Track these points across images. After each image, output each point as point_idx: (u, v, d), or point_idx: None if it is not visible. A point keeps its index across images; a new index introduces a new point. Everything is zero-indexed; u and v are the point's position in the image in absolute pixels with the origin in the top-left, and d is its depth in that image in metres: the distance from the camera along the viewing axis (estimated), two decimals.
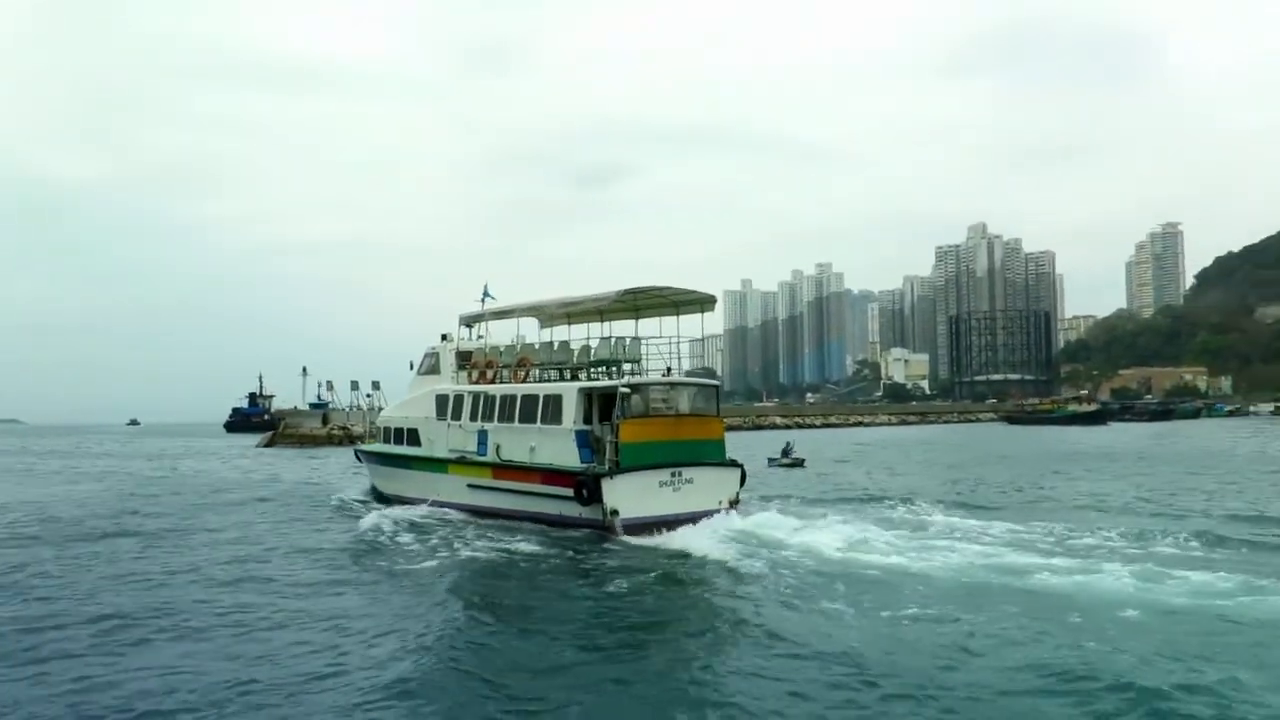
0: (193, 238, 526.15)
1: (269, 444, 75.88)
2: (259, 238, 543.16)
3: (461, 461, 24.89)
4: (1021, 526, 20.32)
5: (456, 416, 25.43)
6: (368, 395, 38.84)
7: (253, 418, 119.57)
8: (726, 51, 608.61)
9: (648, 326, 25.48)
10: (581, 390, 22.39)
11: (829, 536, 18.86)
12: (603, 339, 24.87)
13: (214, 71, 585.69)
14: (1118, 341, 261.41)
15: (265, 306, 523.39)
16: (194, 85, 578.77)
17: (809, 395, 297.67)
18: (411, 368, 29.52)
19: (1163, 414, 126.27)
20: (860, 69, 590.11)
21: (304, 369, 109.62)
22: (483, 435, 24.29)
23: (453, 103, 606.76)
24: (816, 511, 23.25)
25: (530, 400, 23.25)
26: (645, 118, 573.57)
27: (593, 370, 24.40)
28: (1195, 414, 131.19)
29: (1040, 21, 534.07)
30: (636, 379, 23.09)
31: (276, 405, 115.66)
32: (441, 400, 26.28)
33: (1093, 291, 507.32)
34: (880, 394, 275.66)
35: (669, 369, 23.94)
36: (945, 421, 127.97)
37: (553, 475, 21.88)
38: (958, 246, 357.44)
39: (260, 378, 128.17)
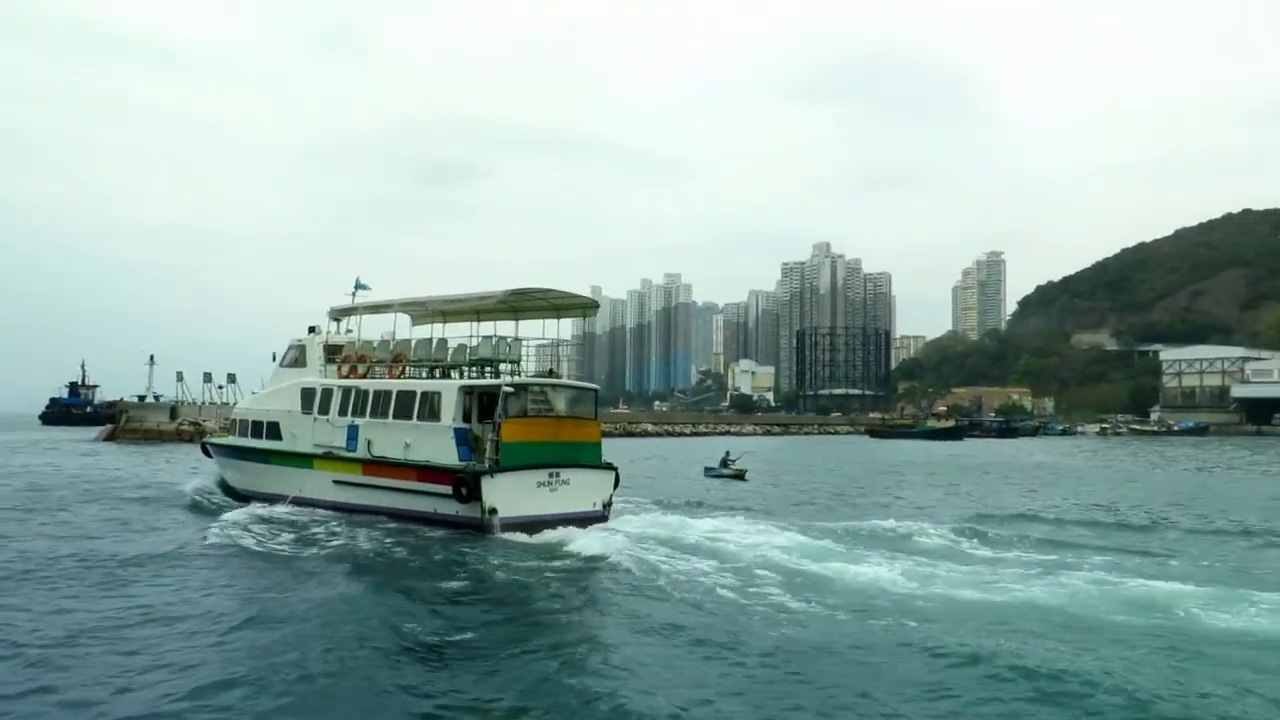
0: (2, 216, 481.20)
1: (110, 438, 68.87)
2: (85, 218, 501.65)
3: (329, 457, 24.31)
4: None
5: (324, 411, 24.84)
6: (220, 388, 35.41)
7: (74, 409, 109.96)
8: (578, 57, 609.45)
9: (526, 328, 25.64)
10: (462, 388, 22.46)
11: (720, 533, 20.12)
12: (484, 338, 24.78)
13: (31, 35, 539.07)
14: (948, 361, 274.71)
15: (93, 291, 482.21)
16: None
17: (656, 403, 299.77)
18: (274, 359, 28.54)
19: (1009, 431, 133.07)
20: (713, 88, 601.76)
21: (150, 358, 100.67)
22: (353, 430, 23.84)
23: (294, 91, 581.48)
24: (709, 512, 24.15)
25: (406, 396, 23.07)
26: (496, 118, 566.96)
27: (470, 369, 24.40)
28: (1034, 432, 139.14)
29: (881, 59, 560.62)
30: (521, 379, 23.21)
31: (103, 396, 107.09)
32: (308, 394, 25.62)
33: (922, 313, 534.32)
34: (727, 404, 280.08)
35: (551, 370, 24.79)
36: (807, 433, 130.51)
37: (429, 473, 21.75)
38: (803, 264, 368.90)
39: (83, 366, 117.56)
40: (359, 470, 23.49)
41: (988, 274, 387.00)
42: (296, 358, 27.70)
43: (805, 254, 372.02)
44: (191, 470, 35.99)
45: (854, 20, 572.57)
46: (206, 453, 31.48)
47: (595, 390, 24.84)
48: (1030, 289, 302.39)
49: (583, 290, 25.93)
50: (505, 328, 25.66)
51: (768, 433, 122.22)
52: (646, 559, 17.12)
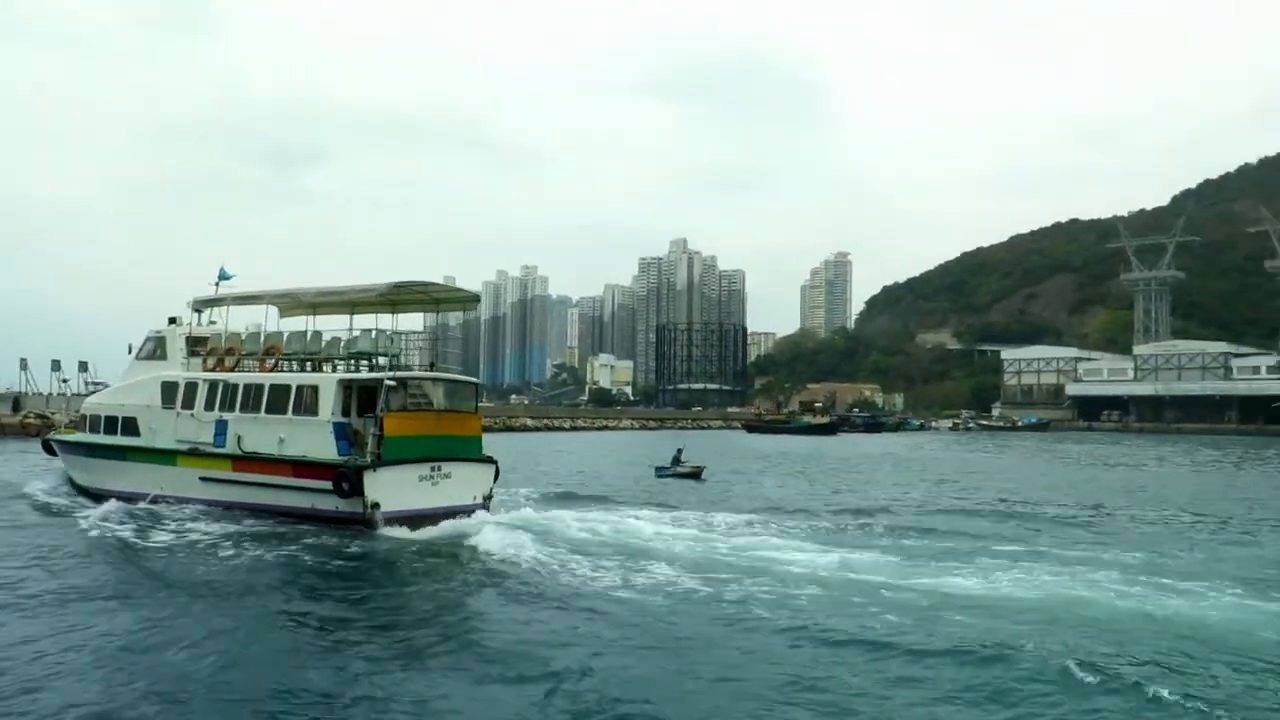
0: None
1: None
2: None
3: (194, 453, 23.54)
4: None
5: (188, 405, 24.14)
6: (64, 381, 32.80)
7: None
8: (430, 43, 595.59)
9: (404, 321, 25.84)
10: (341, 382, 22.23)
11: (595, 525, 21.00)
12: (363, 331, 24.41)
13: None
14: (801, 358, 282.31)
15: None
16: None
17: (513, 397, 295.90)
18: (130, 352, 27.42)
19: (875, 427, 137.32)
20: (568, 80, 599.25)
21: None
22: (221, 425, 23.25)
23: (133, 63, 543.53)
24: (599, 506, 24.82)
25: (280, 390, 22.63)
26: (345, 101, 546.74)
27: (343, 362, 24.07)
28: (897, 428, 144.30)
29: (735, 60, 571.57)
30: (402, 373, 23.01)
31: None
32: (169, 387, 24.83)
33: (771, 311, 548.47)
34: (586, 398, 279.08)
35: (432, 364, 25.56)
36: (682, 428, 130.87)
37: (306, 468, 21.37)
38: (660, 259, 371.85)
39: None
40: (228, 466, 22.81)
41: (835, 274, 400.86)
42: (155, 350, 26.58)
43: (662, 250, 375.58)
44: (33, 468, 32.75)
45: (708, 19, 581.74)
46: (50, 450, 30.06)
47: (476, 384, 24.75)
48: (876, 290, 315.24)
49: (434, 281, 25.48)
50: (381, 321, 25.25)
51: (644, 427, 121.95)
52: (530, 550, 17.66)
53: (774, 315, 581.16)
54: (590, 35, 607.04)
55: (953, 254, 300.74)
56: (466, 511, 21.40)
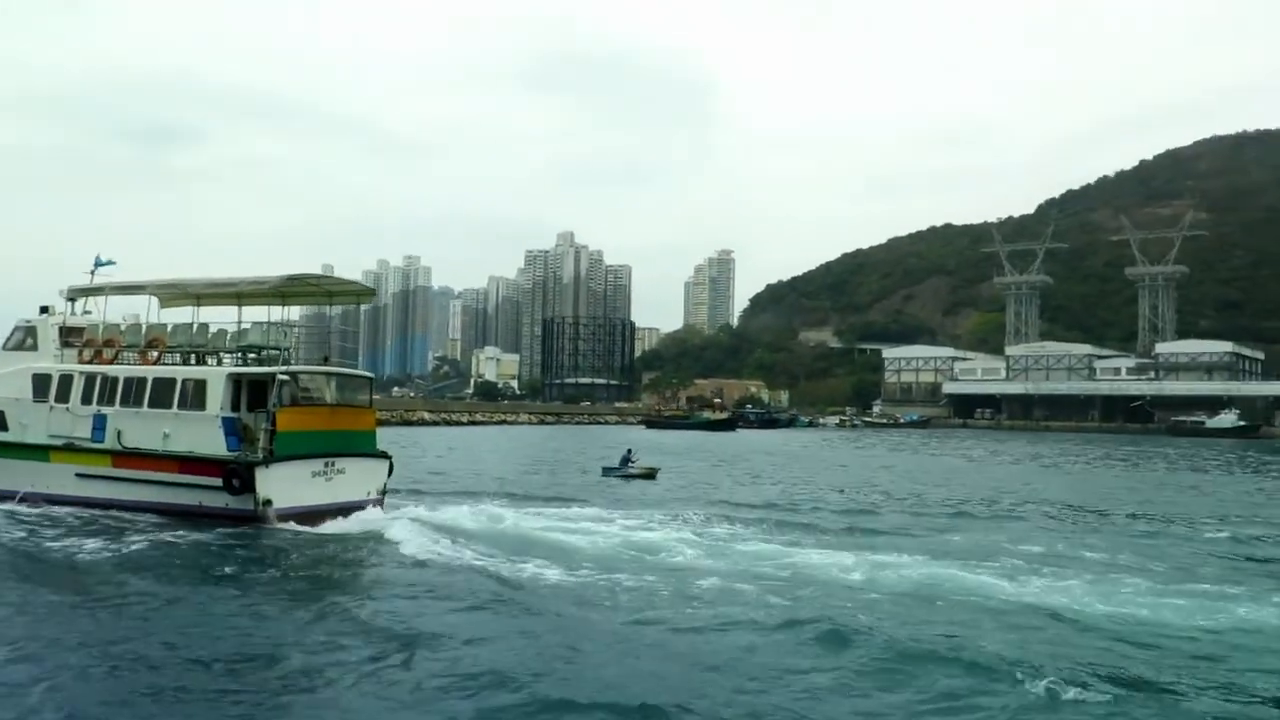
0: None
1: None
2: None
3: (69, 449, 22.69)
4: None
5: (63, 399, 23.19)
6: None
7: None
8: (305, 24, 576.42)
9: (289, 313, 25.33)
10: (230, 376, 21.78)
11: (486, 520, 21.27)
12: (254, 323, 23.89)
13: None
14: (687, 353, 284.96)
15: None
16: None
17: (395, 389, 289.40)
18: None
19: (769, 423, 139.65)
20: (456, 69, 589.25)
21: None
22: (100, 420, 22.40)
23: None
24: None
25: (165, 384, 22.03)
26: (215, 78, 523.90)
27: (230, 355, 23.57)
28: (789, 424, 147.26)
29: (622, 57, 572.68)
30: (295, 367, 22.70)
31: None
32: (41, 380, 23.74)
33: (655, 306, 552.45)
34: (471, 392, 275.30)
35: (325, 358, 24.35)
36: (579, 423, 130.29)
37: (194, 464, 20.93)
38: (546, 252, 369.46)
39: None
40: (108, 462, 22.07)
41: (718, 271, 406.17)
42: (24, 340, 25.15)
43: (548, 243, 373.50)
44: None
45: (597, 14, 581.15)
46: None
47: (370, 378, 24.21)
48: (758, 288, 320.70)
49: (312, 269, 25.79)
50: (272, 314, 24.67)
51: (541, 422, 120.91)
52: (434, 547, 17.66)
53: (658, 311, 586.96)
54: (479, 25, 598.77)
55: (834, 254, 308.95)
56: (360, 507, 21.19)
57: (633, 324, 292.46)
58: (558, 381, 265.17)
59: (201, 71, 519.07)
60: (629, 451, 39.81)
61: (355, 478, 21.70)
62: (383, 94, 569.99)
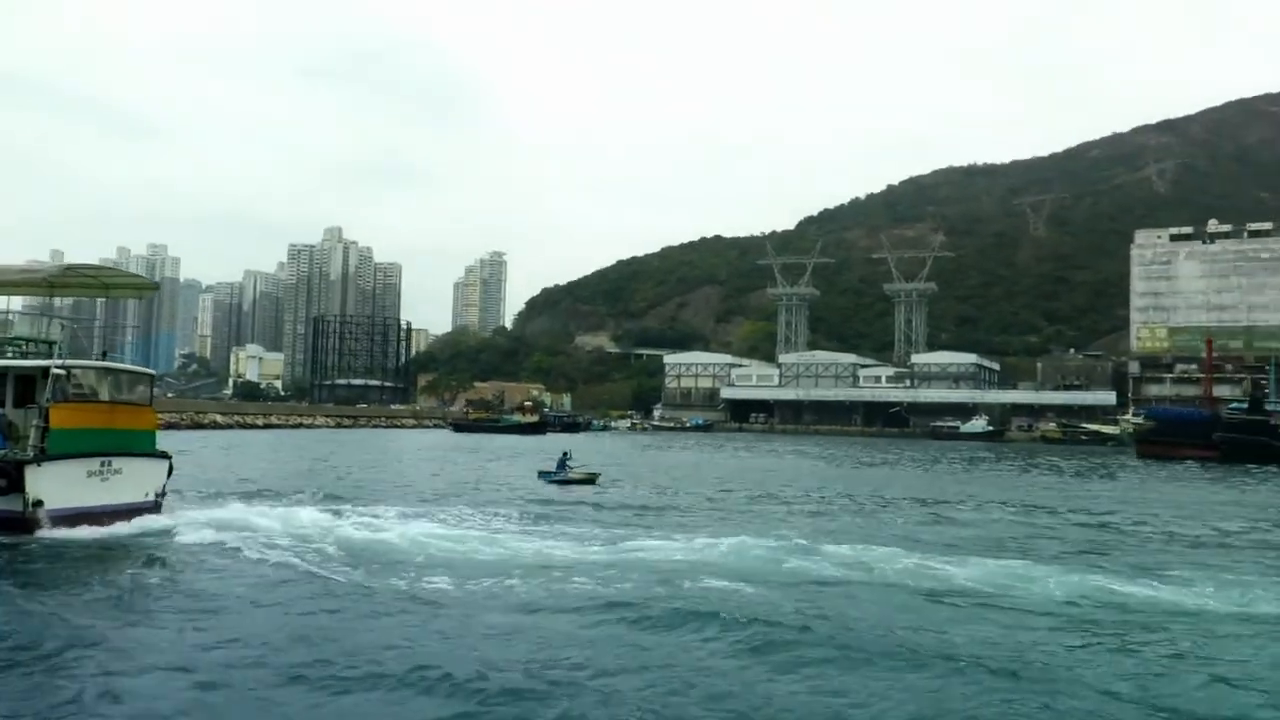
0: None
1: None
2: None
3: None
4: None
5: None
6: None
7: None
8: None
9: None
10: None
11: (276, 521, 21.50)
12: (21, 314, 23.35)
13: None
14: (462, 355, 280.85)
15: None
16: None
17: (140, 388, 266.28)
18: None
19: (572, 427, 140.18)
20: (206, 53, 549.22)
21: None
22: None
23: None
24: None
25: None
26: None
27: None
28: (587, 427, 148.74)
29: (392, 52, 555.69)
30: (72, 361, 21.64)
31: None
32: None
33: (423, 307, 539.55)
34: (230, 392, 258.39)
35: (104, 353, 24.05)
36: (376, 426, 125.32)
37: None
38: (312, 247, 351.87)
39: None
40: None
41: (490, 273, 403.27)
42: None
43: (314, 238, 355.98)
44: None
45: (372, 9, 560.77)
46: None
47: (151, 375, 23.81)
48: (532, 291, 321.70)
49: (40, 255, 24.64)
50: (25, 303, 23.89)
51: (339, 425, 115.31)
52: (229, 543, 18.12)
53: (426, 312, 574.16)
54: (243, 14, 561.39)
55: (609, 261, 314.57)
56: (139, 510, 20.72)
57: (409, 324, 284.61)
58: (327, 383, 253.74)
59: None
60: (566, 454, 38.58)
61: (133, 478, 20.96)
62: (125, 74, 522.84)
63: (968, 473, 57.13)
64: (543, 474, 37.62)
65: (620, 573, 16.51)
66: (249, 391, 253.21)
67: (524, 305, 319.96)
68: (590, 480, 36.59)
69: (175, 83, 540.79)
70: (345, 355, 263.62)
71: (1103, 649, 12.47)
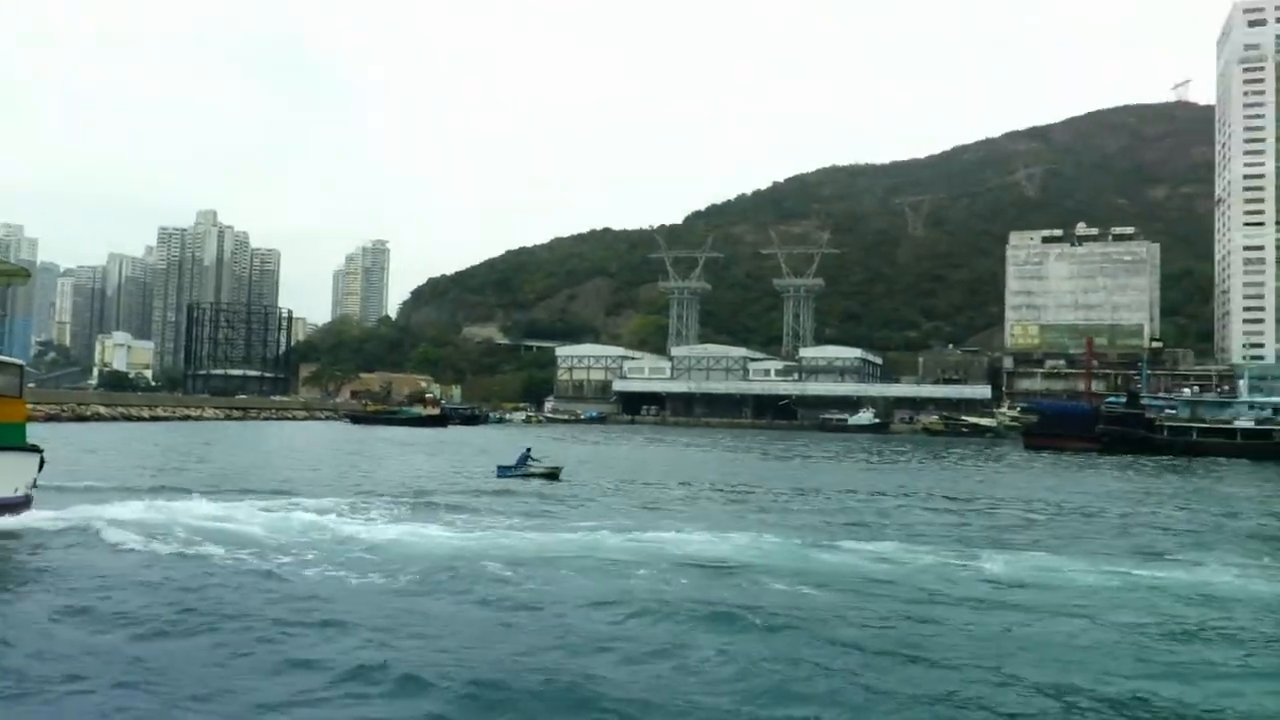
0: None
1: None
2: None
3: None
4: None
5: None
6: None
7: None
8: None
9: None
10: None
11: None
12: None
13: None
14: (345, 345, 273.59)
15: None
16: None
17: None
18: None
19: (472, 419, 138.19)
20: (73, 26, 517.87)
21: None
22: None
23: None
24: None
25: None
26: None
27: None
28: (485, 420, 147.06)
29: (273, 32, 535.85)
30: None
31: None
32: None
33: (301, 295, 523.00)
34: (95, 382, 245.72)
35: None
36: (267, 418, 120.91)
37: None
38: (184, 230, 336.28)
39: None
40: None
41: (373, 261, 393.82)
42: None
43: (187, 221, 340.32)
44: None
45: None
46: None
47: (20, 365, 22.97)
48: (416, 280, 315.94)
49: None
50: None
51: (228, 416, 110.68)
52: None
53: (304, 301, 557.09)
54: None
55: (498, 251, 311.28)
56: (7, 506, 19.99)
57: (290, 312, 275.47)
58: (202, 373, 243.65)
59: None
60: (528, 450, 38.10)
61: (1, 473, 20.17)
62: None
63: (895, 465, 59.10)
64: (502, 469, 37.06)
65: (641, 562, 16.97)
66: (116, 382, 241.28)
67: (409, 295, 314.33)
68: (553, 475, 36.08)
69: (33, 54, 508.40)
70: (221, 344, 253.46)
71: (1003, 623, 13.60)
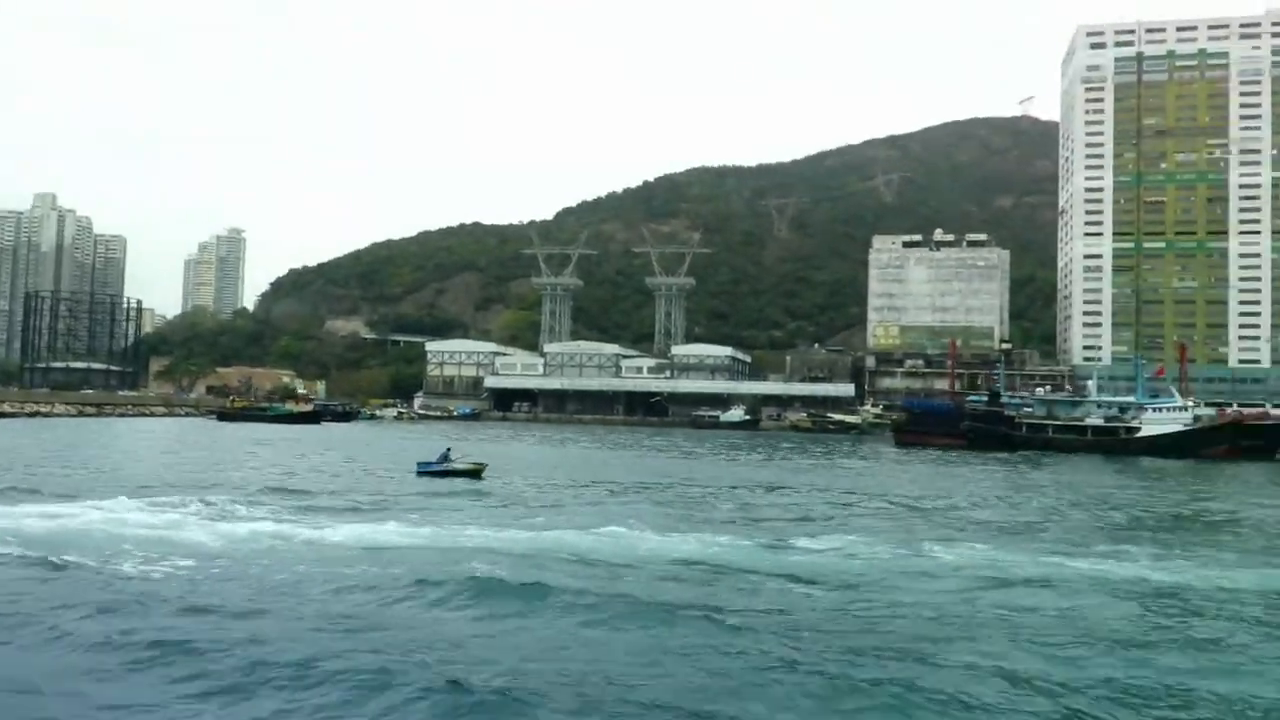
0: None
1: None
2: None
3: None
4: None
5: None
6: None
7: None
8: None
9: None
10: None
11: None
12: None
13: None
14: (199, 338, 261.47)
15: None
16: None
17: None
18: None
19: (345, 416, 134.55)
20: None
21: None
22: None
23: None
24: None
25: None
26: None
27: None
28: (356, 416, 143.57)
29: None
30: None
31: None
32: None
33: (147, 285, 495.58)
34: None
35: None
36: (122, 414, 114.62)
37: None
38: (20, 214, 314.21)
39: None
40: None
41: (228, 250, 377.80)
42: None
43: (23, 204, 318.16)
44: None
45: None
46: None
47: None
48: (280, 271, 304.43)
49: None
50: None
51: (80, 413, 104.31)
52: None
53: (152, 291, 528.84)
54: None
55: (363, 243, 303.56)
56: None
57: (139, 302, 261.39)
58: (41, 366, 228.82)
59: None
60: (448, 450, 37.98)
61: None
62: None
63: (788, 461, 61.37)
64: (422, 467, 36.80)
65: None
66: None
67: (269, 286, 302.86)
68: (476, 473, 36.10)
69: None
70: (62, 335, 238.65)
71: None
